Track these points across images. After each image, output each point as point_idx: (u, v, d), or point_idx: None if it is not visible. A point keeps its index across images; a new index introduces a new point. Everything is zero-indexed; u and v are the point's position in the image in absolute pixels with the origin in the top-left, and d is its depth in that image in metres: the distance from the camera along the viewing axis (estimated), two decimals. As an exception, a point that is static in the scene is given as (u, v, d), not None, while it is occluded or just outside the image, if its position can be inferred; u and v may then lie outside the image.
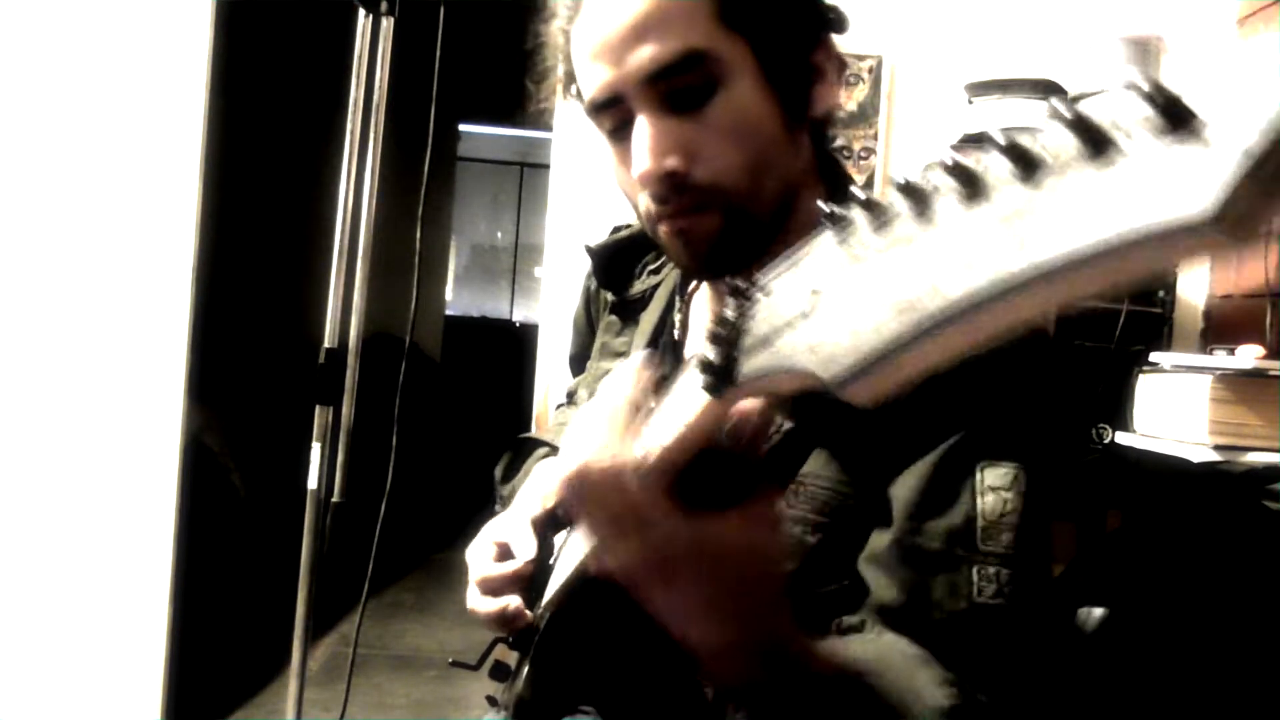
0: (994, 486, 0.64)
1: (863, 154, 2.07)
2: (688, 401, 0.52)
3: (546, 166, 2.35)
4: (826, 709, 0.55)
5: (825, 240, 0.41)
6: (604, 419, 0.54)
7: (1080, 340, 1.65)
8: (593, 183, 1.96)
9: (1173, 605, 1.00)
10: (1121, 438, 1.63)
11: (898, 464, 0.65)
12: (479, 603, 0.79)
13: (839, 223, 0.40)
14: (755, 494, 0.53)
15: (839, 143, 2.01)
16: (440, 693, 2.75)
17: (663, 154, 0.69)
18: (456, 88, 2.41)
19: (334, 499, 1.65)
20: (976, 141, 1.80)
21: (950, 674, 0.60)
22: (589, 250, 0.92)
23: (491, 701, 0.86)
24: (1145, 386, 1.61)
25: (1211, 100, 0.27)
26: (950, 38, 2.03)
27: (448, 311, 7.23)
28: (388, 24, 1.64)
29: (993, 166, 0.32)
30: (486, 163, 8.14)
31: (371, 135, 1.66)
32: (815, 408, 0.66)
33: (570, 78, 0.74)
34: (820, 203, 0.41)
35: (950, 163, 0.33)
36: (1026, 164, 0.31)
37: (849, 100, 2.06)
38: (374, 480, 1.68)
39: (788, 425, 0.70)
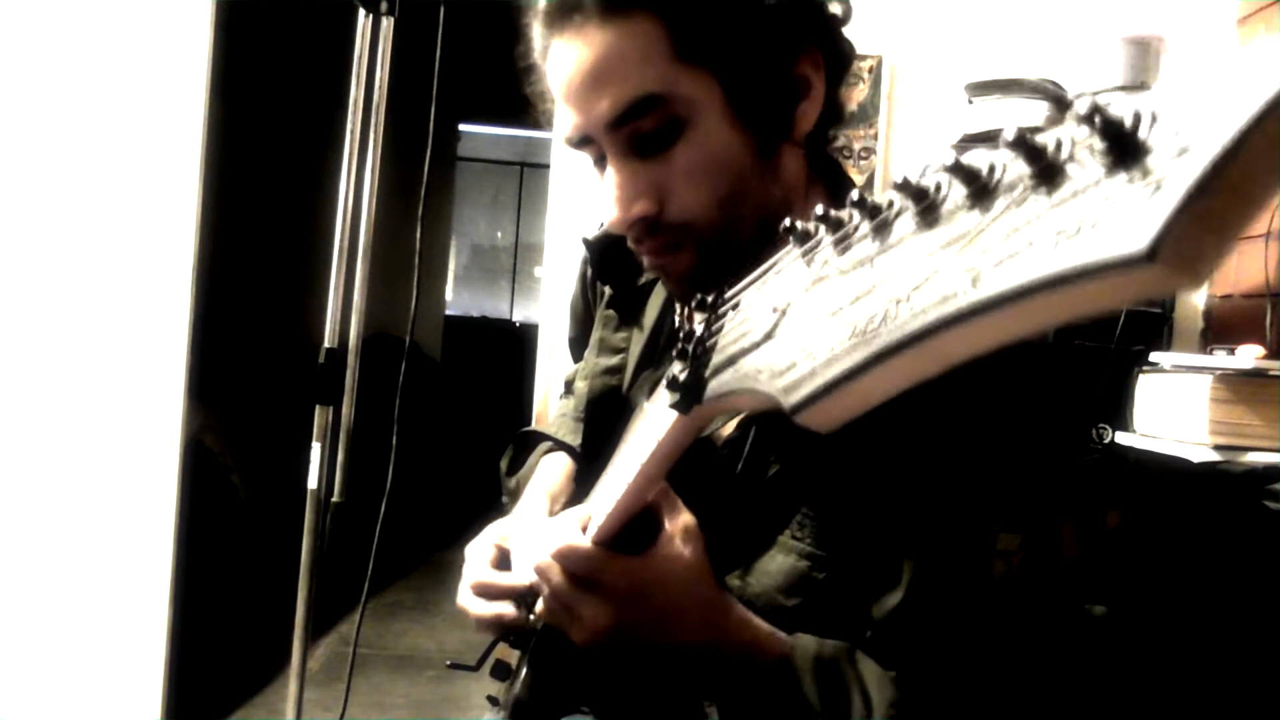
0: (1004, 552, 0.63)
1: (863, 154, 2.07)
2: (658, 419, 0.54)
3: (546, 166, 2.35)
4: (782, 695, 0.62)
5: (792, 257, 0.41)
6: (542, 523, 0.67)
7: (1080, 340, 1.65)
8: (593, 182, 1.95)
9: (1172, 604, 1.00)
10: (1121, 438, 1.63)
11: (902, 508, 0.65)
12: (473, 604, 0.79)
13: (804, 240, 0.40)
14: (666, 529, 0.63)
15: (839, 143, 2.01)
16: (440, 693, 2.75)
17: (630, 201, 0.68)
18: (456, 88, 2.41)
19: (334, 499, 1.65)
20: (978, 142, 1.80)
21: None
22: (585, 242, 0.92)
23: (493, 701, 0.86)
24: (1145, 386, 1.61)
25: (1160, 129, 0.25)
26: (950, 38, 2.03)
27: (448, 311, 7.22)
28: (388, 24, 1.64)
29: (950, 188, 0.31)
30: (486, 163, 8.13)
31: (371, 135, 1.66)
32: (813, 440, 0.67)
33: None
34: (787, 220, 0.41)
35: (906, 182, 0.33)
36: (980, 188, 0.30)
37: (849, 100, 2.05)
38: (374, 480, 1.67)
39: (785, 456, 0.70)
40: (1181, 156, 0.24)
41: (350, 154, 1.63)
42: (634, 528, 0.62)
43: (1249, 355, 1.47)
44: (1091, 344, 1.65)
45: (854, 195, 0.36)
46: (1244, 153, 0.23)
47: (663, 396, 0.51)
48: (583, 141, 0.70)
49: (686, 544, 0.63)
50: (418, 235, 1.69)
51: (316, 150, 2.91)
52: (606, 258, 0.91)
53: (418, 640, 3.18)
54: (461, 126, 6.85)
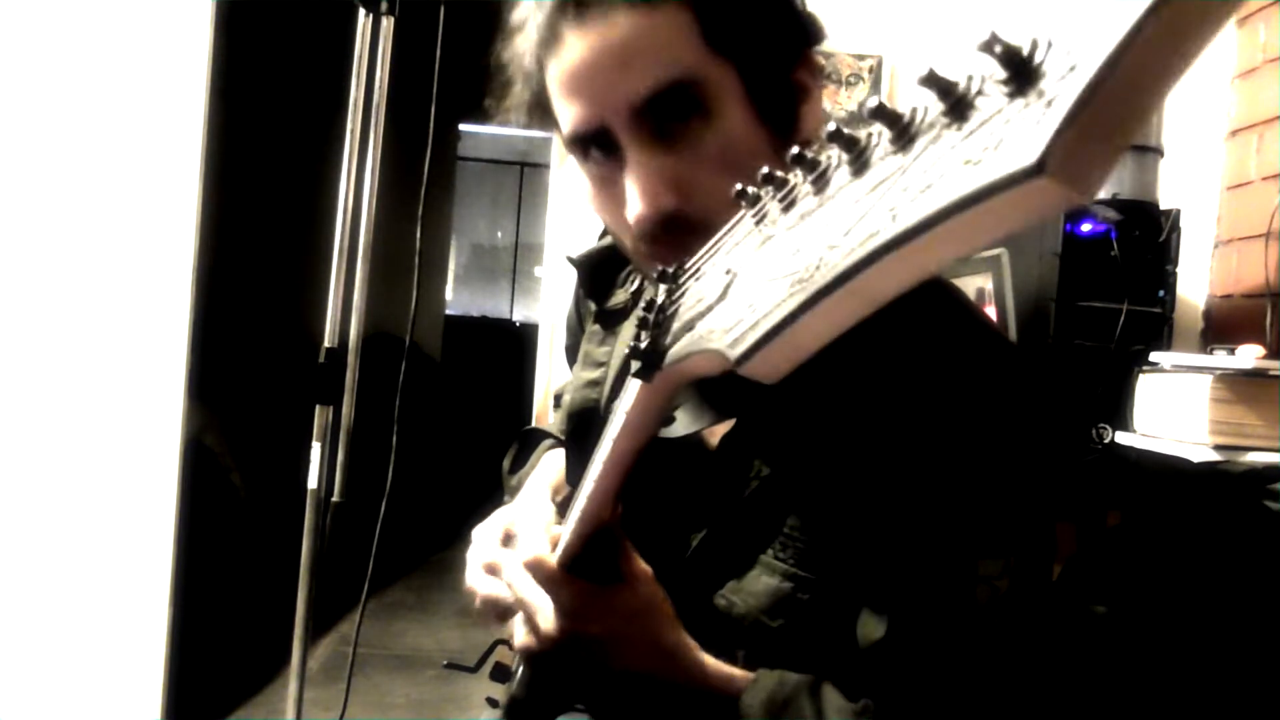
0: (987, 578, 0.63)
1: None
2: (628, 393, 0.54)
3: (546, 166, 2.35)
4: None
5: (744, 221, 0.42)
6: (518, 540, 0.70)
7: (1080, 340, 1.65)
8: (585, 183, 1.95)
9: (1172, 605, 1.00)
10: (1121, 438, 1.63)
11: (883, 532, 0.65)
12: (481, 584, 0.78)
13: (754, 203, 0.41)
14: (629, 560, 0.65)
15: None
16: (440, 693, 2.75)
17: (656, 195, 0.65)
18: (456, 88, 2.41)
19: (334, 499, 1.65)
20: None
21: None
22: (572, 261, 0.91)
23: (492, 703, 0.86)
24: (1145, 386, 1.61)
25: (1054, 52, 0.26)
26: (950, 38, 2.03)
27: (448, 311, 7.23)
28: (388, 24, 1.64)
29: (880, 135, 0.32)
30: (486, 163, 8.13)
31: (371, 135, 1.66)
32: (796, 454, 0.67)
33: (538, 106, 0.71)
34: (738, 185, 0.41)
35: (839, 132, 0.34)
36: (902, 132, 0.31)
37: (849, 100, 2.06)
38: (374, 480, 1.67)
39: (765, 472, 0.70)
40: (1070, 74, 0.25)
41: (350, 154, 1.63)
42: (602, 562, 0.66)
43: (1249, 355, 1.47)
44: (1091, 344, 1.65)
45: (793, 152, 0.37)
46: (1125, 62, 0.24)
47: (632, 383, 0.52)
48: (591, 137, 0.67)
49: (640, 584, 0.66)
50: (418, 235, 1.69)
51: (316, 150, 2.90)
52: (594, 275, 0.91)
53: (418, 640, 3.18)
54: (461, 126, 6.85)
